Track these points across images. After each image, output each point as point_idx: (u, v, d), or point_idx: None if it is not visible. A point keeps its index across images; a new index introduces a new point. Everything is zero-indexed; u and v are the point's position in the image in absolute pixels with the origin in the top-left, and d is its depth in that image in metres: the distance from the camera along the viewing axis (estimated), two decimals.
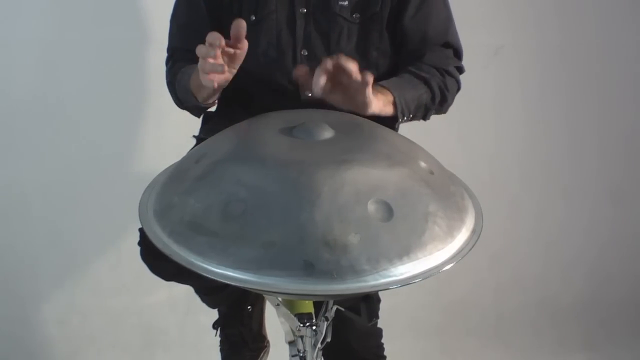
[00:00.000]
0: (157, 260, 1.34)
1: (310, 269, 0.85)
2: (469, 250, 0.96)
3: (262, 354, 1.72)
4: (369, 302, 1.18)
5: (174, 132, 1.68)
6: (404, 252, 0.89)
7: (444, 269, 0.92)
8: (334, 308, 1.22)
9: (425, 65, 1.33)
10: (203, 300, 1.58)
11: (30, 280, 2.24)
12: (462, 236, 0.97)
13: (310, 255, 0.85)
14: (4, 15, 2.03)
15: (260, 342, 1.72)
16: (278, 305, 1.22)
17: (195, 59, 1.13)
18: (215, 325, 1.68)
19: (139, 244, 1.34)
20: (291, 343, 1.32)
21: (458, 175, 1.19)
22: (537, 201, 2.39)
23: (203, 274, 0.89)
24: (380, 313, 1.52)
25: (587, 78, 2.29)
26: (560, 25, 2.24)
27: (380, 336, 1.47)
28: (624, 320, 2.38)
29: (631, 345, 2.30)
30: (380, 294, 1.45)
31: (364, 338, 1.43)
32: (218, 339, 1.70)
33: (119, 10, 2.04)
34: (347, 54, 1.30)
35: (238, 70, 1.28)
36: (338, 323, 1.34)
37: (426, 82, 1.29)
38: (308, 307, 1.38)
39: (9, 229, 2.22)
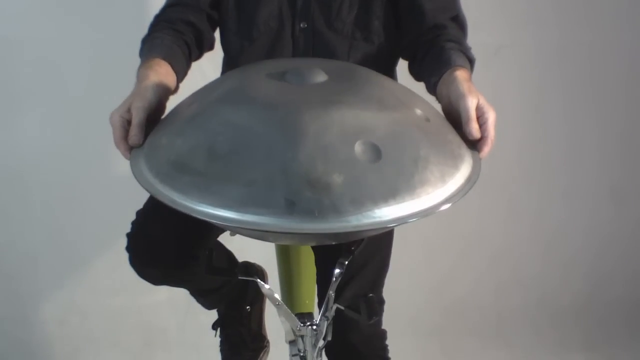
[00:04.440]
0: (144, 266, 1.35)
1: (291, 207, 0.83)
2: (462, 197, 0.92)
3: (262, 354, 1.72)
4: (369, 300, 1.18)
5: None
6: (390, 194, 0.87)
7: (432, 213, 0.89)
8: (335, 307, 1.22)
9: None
10: (199, 301, 1.59)
11: (30, 279, 2.25)
12: (454, 182, 0.93)
13: (291, 193, 0.84)
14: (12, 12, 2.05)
15: (260, 342, 1.72)
16: (278, 304, 1.22)
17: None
18: (214, 326, 1.68)
19: (127, 249, 1.34)
20: (291, 343, 1.31)
21: None
22: (537, 201, 2.39)
23: (186, 212, 0.88)
24: None
25: (586, 78, 2.29)
26: (560, 25, 2.24)
27: (385, 338, 1.47)
28: (624, 319, 2.39)
29: (630, 345, 2.30)
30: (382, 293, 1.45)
31: (369, 340, 1.42)
32: (218, 338, 1.70)
33: (122, 10, 2.05)
34: (348, 25, 1.31)
35: (234, 42, 1.30)
36: (343, 327, 1.34)
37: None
38: (309, 306, 1.38)
39: (9, 229, 2.22)
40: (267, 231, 0.85)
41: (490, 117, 1.03)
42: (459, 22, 1.29)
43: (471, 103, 1.03)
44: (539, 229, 2.41)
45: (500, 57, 2.21)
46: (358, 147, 0.89)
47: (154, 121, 1.05)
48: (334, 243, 1.12)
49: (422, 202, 0.89)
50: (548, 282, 2.42)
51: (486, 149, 1.03)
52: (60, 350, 2.22)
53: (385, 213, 0.86)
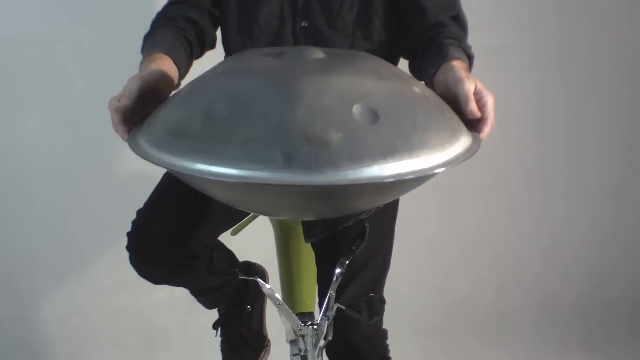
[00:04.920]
0: (144, 266, 1.36)
1: (288, 161, 0.83)
2: (462, 162, 0.92)
3: (263, 354, 1.72)
4: (370, 300, 1.18)
5: None
6: (389, 152, 0.86)
7: (431, 172, 0.88)
8: (336, 307, 1.22)
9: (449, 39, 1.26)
10: (200, 301, 1.59)
11: (31, 279, 2.25)
12: (454, 150, 0.92)
13: (289, 148, 0.84)
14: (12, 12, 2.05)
15: (261, 342, 1.72)
16: (279, 304, 1.22)
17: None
18: (215, 326, 1.68)
19: (128, 248, 1.34)
20: (292, 342, 1.32)
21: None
22: (538, 201, 2.39)
23: (183, 172, 0.88)
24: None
25: (587, 78, 2.29)
26: (562, 26, 2.24)
27: (386, 338, 1.47)
28: (625, 319, 2.38)
29: (632, 345, 2.30)
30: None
31: (370, 340, 1.42)
32: (219, 338, 1.70)
33: (122, 8, 2.05)
34: (349, 24, 1.31)
35: (236, 40, 1.31)
36: (345, 327, 1.34)
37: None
38: (310, 306, 1.38)
39: (9, 228, 2.22)
40: (264, 184, 0.84)
41: (489, 101, 1.03)
42: (459, 21, 1.30)
43: (469, 86, 1.03)
44: (540, 229, 2.41)
45: (501, 57, 2.21)
46: (356, 110, 0.89)
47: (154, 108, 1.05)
48: (334, 217, 1.11)
49: (420, 162, 0.88)
50: (549, 282, 2.42)
51: (487, 130, 1.02)
52: (61, 350, 2.22)
53: (384, 169, 0.85)
